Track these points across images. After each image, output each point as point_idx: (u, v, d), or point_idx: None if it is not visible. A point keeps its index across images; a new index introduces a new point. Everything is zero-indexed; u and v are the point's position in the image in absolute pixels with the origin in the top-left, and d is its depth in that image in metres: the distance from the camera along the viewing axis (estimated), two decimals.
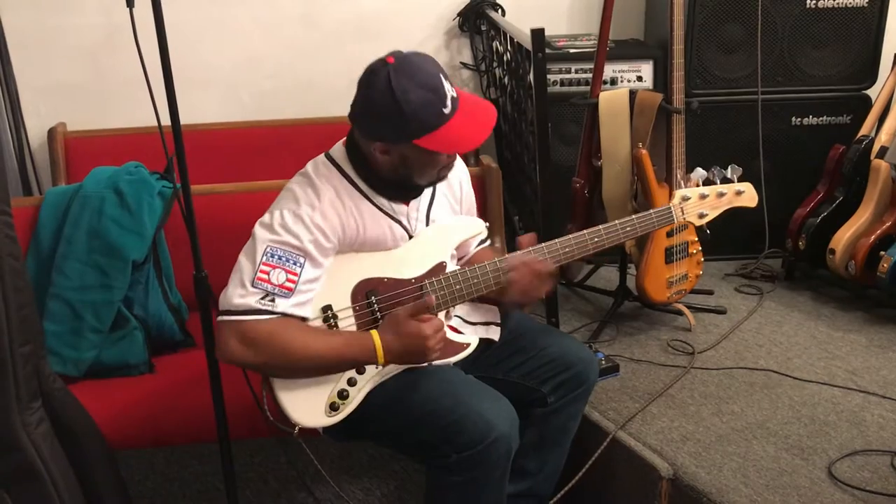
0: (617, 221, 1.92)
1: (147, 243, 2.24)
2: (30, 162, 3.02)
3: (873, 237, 2.59)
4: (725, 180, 2.08)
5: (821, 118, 2.98)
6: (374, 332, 1.68)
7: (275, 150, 2.92)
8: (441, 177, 1.78)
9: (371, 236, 1.75)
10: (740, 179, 2.09)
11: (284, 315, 1.64)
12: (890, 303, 2.63)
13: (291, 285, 1.63)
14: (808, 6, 2.85)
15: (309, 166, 1.76)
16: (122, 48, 2.80)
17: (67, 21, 2.96)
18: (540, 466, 1.95)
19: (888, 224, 2.60)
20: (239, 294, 1.62)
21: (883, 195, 2.62)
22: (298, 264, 1.64)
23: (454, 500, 1.73)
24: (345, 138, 1.78)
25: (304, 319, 1.68)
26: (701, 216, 2.06)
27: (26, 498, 1.61)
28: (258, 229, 1.67)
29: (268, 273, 1.61)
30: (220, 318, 1.65)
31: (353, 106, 1.69)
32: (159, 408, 2.03)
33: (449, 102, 1.63)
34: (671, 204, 2.03)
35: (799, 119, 2.98)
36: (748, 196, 2.10)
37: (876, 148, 2.64)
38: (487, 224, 1.95)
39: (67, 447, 1.70)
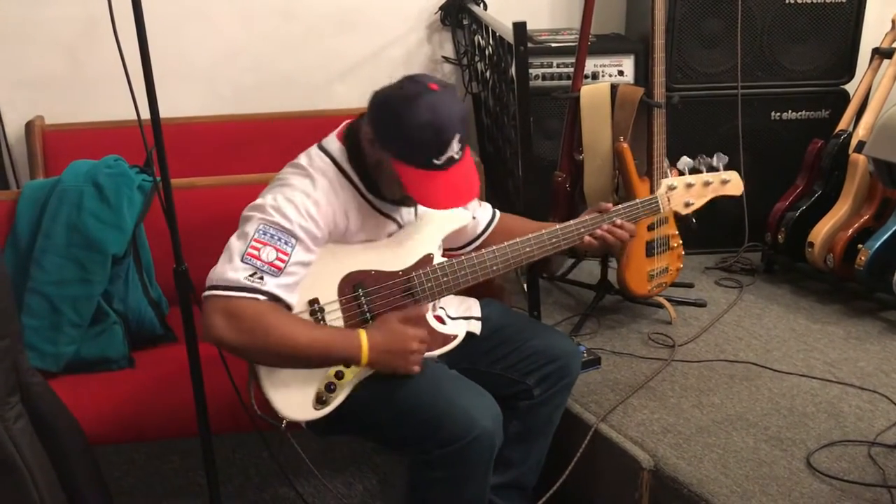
0: (604, 215, 1.96)
1: (127, 237, 2.22)
2: (7, 156, 2.99)
3: (851, 230, 2.62)
4: (711, 168, 2.09)
5: (800, 113, 3.01)
6: (362, 331, 1.67)
7: (255, 144, 2.91)
8: (405, 203, 1.77)
9: (362, 230, 1.75)
10: (726, 168, 2.10)
11: (272, 296, 1.61)
12: (867, 295, 2.66)
13: (281, 264, 1.61)
14: (787, 1, 2.87)
15: (302, 158, 1.75)
16: (100, 40, 2.79)
17: (44, 13, 2.93)
18: (524, 457, 1.96)
19: (866, 217, 2.63)
20: (228, 269, 1.60)
21: (861, 189, 2.65)
22: (290, 245, 1.62)
23: (436, 495, 1.73)
24: (338, 130, 1.77)
25: (289, 308, 1.66)
26: (687, 205, 2.07)
27: (4, 493, 1.59)
28: (250, 211, 1.66)
29: (258, 249, 1.60)
30: (207, 293, 1.61)
31: (386, 86, 1.67)
32: (139, 402, 2.02)
33: (444, 159, 1.61)
34: (657, 193, 2.05)
35: (778, 113, 3.00)
36: (734, 184, 2.10)
37: (854, 142, 2.67)
38: (474, 217, 1.95)
39: (46, 442, 1.69)
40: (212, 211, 2.26)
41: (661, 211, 2.07)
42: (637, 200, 2.03)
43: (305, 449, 2.42)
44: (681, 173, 2.14)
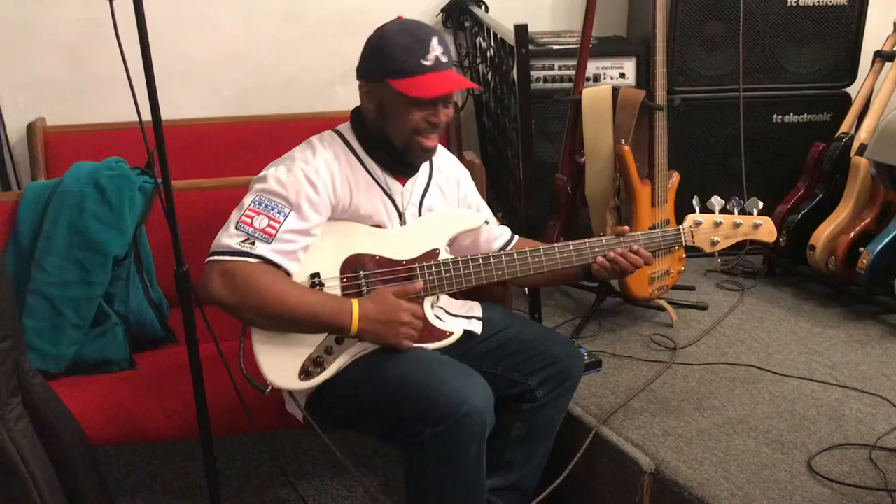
0: (622, 238, 1.92)
1: (128, 239, 2.23)
2: (9, 157, 2.99)
3: (853, 234, 2.61)
4: (743, 212, 2.02)
5: (801, 116, 3.01)
6: (355, 300, 1.71)
7: (257, 146, 2.91)
8: (416, 146, 1.78)
9: (362, 203, 1.79)
10: (760, 213, 2.03)
11: (265, 259, 1.67)
12: (869, 299, 2.66)
13: (272, 231, 1.68)
14: (789, 4, 2.87)
15: (314, 136, 1.84)
16: (102, 42, 2.79)
17: (47, 15, 2.93)
18: (526, 460, 1.96)
19: (867, 221, 2.63)
20: (224, 237, 1.69)
21: (862, 192, 2.65)
22: (283, 214, 1.70)
23: (431, 479, 1.73)
24: None
25: (288, 274, 1.71)
26: (713, 244, 2.01)
27: (5, 494, 1.60)
28: (253, 182, 1.75)
29: (251, 218, 1.69)
30: (207, 260, 1.70)
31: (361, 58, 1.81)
32: (140, 404, 2.02)
33: (432, 59, 1.72)
34: (681, 227, 2.00)
35: (780, 116, 3.01)
36: (766, 230, 2.03)
37: (856, 145, 2.67)
38: (487, 221, 1.96)
39: (47, 444, 1.69)
40: (213, 213, 2.26)
41: (683, 244, 2.01)
42: (658, 231, 1.98)
43: (307, 451, 2.44)
44: (710, 212, 2.04)
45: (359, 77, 1.80)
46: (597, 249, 1.91)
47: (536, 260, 1.87)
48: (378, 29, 1.77)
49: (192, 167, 2.60)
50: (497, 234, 2.04)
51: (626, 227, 1.95)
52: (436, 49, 1.73)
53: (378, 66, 1.73)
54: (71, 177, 2.26)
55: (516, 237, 2.08)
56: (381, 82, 1.73)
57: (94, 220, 2.19)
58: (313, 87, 3.16)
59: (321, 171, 1.74)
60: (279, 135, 2.92)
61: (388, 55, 1.71)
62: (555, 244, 1.90)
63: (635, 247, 1.91)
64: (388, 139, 1.79)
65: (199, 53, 3.07)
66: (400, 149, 1.80)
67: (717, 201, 2.03)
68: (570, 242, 1.90)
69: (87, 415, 1.90)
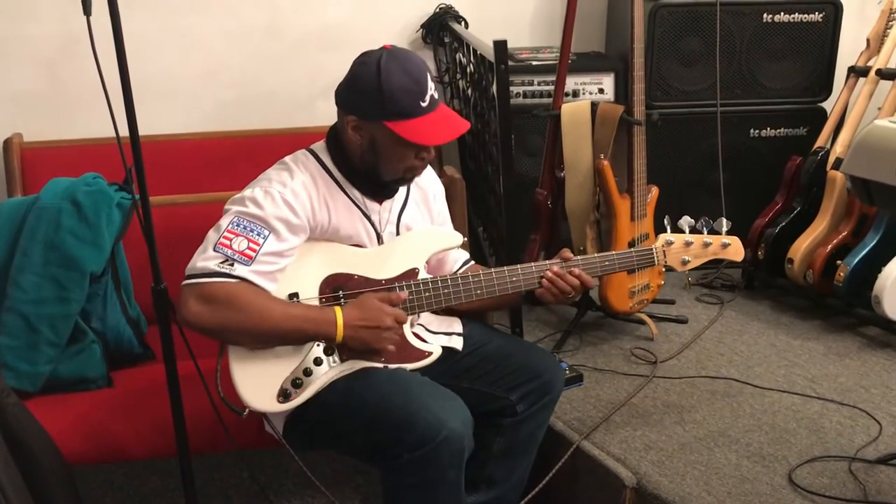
0: (597, 256, 1.92)
1: (105, 255, 2.20)
2: None
3: (830, 246, 2.64)
4: (713, 231, 2.06)
5: (778, 130, 3.04)
6: (338, 307, 1.71)
7: (236, 161, 2.89)
8: (406, 178, 1.81)
9: (341, 225, 1.78)
10: (729, 232, 2.06)
11: (244, 280, 1.66)
12: (847, 311, 2.68)
13: (252, 253, 1.67)
14: (764, 20, 2.91)
15: (288, 157, 1.82)
16: (80, 57, 2.76)
17: (23, 29, 2.91)
18: (508, 475, 1.95)
19: (844, 234, 2.65)
20: (201, 259, 1.67)
21: (839, 205, 2.68)
22: (262, 236, 1.68)
23: (409, 503, 1.72)
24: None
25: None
26: (684, 263, 2.03)
27: None
28: (229, 204, 1.73)
29: (230, 240, 1.67)
30: (182, 283, 1.67)
31: (340, 84, 1.76)
32: (118, 422, 2.00)
33: (428, 98, 1.71)
34: (654, 246, 2.02)
35: (757, 131, 3.04)
36: (734, 249, 2.06)
37: (832, 159, 2.70)
38: (465, 238, 1.96)
39: (22, 464, 1.66)
40: (191, 229, 2.23)
41: (656, 263, 2.03)
42: (632, 250, 2.01)
43: (287, 470, 2.41)
44: (680, 231, 2.06)
45: (346, 110, 1.74)
46: (576, 269, 1.87)
47: (514, 279, 1.85)
48: (368, 62, 1.70)
49: (171, 183, 2.58)
50: (458, 257, 2.05)
51: (567, 251, 1.92)
52: (431, 87, 1.72)
53: (375, 107, 1.69)
54: (48, 193, 2.24)
55: (472, 261, 2.07)
56: (377, 122, 1.71)
57: (71, 237, 2.16)
58: (294, 101, 3.15)
59: (299, 193, 1.73)
60: (259, 149, 2.89)
61: (387, 97, 1.67)
62: (520, 265, 1.87)
63: (576, 271, 1.86)
64: (376, 173, 1.78)
65: (179, 68, 3.05)
66: (388, 181, 1.80)
67: (686, 221, 2.06)
68: (548, 262, 1.89)
69: (63, 434, 1.87)
